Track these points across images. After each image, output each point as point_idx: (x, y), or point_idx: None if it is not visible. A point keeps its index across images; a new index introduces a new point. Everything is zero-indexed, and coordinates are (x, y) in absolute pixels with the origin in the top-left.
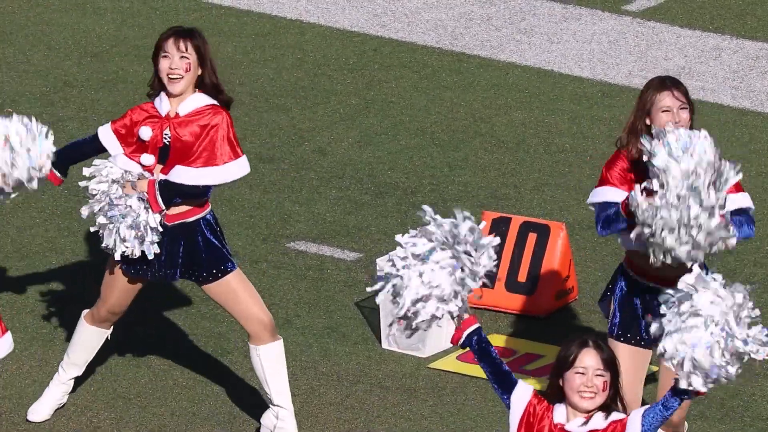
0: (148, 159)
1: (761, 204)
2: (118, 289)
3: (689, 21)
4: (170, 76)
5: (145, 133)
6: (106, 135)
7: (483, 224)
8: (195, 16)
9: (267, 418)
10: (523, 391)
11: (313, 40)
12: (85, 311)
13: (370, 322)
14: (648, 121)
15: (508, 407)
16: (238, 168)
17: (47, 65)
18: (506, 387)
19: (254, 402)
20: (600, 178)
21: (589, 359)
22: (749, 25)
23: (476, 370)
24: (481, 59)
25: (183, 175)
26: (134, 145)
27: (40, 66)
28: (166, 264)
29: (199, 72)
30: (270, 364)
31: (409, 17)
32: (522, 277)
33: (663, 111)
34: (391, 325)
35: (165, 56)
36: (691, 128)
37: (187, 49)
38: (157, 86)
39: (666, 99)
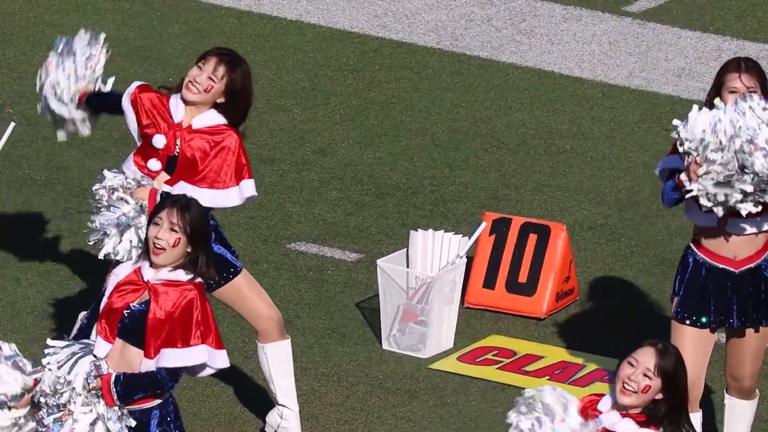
0: (155, 165)
1: None
2: None
3: (689, 22)
4: (191, 84)
5: (159, 141)
6: (125, 103)
7: (483, 224)
8: (195, 16)
9: (271, 417)
10: None
11: (313, 40)
12: (83, 312)
13: (370, 322)
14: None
15: None
16: (239, 193)
17: None
18: None
19: (255, 402)
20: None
21: (644, 355)
22: (750, 26)
23: (477, 371)
24: (481, 60)
25: (187, 193)
26: (147, 125)
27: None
28: None
29: (222, 100)
30: (277, 363)
31: (409, 18)
32: (522, 277)
33: (730, 92)
34: None
35: (200, 67)
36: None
37: (218, 75)
38: (176, 88)
39: (735, 81)
